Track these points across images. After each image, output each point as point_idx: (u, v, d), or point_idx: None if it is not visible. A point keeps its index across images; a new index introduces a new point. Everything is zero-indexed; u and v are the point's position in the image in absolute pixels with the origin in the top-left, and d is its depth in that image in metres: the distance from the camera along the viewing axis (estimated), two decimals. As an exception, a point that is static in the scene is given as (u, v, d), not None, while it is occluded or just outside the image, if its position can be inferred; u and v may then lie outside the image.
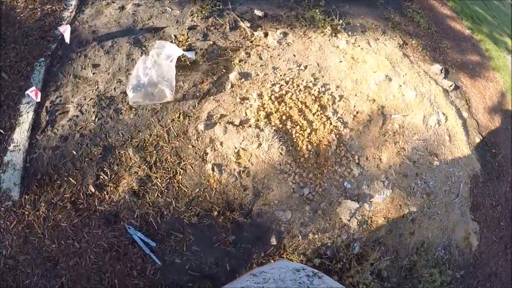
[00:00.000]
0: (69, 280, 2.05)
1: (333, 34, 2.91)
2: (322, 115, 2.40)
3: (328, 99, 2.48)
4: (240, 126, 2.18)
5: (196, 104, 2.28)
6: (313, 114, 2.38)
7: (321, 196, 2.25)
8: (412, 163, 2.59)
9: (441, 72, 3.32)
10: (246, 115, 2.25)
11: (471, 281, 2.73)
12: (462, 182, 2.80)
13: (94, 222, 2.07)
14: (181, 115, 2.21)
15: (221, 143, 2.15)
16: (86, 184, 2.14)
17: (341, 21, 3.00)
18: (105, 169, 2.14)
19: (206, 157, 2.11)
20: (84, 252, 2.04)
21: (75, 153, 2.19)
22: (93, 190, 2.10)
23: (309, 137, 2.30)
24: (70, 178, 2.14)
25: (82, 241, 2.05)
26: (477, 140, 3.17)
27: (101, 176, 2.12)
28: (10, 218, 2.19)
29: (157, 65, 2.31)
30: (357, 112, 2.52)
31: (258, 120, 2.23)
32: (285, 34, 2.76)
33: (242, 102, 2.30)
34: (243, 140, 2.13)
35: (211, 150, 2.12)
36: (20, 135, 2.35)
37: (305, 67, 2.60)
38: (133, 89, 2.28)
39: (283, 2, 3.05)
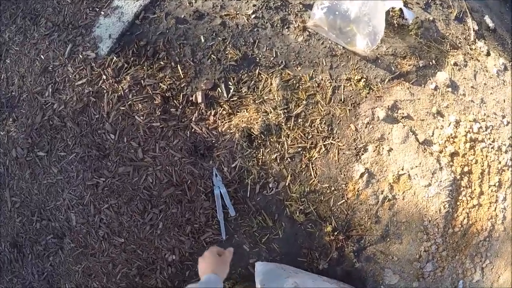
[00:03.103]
0: (107, 186, 1.32)
1: None
2: (494, 194, 1.69)
3: (508, 178, 1.75)
4: (422, 146, 1.42)
5: (386, 80, 1.36)
6: (489, 186, 1.67)
7: (434, 281, 1.61)
8: None
9: None
10: (433, 135, 1.49)
11: None
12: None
13: (178, 140, 1.28)
14: (362, 80, 1.31)
15: (390, 151, 1.29)
16: (195, 87, 1.30)
17: None
18: (229, 83, 1.29)
19: (362, 155, 1.27)
20: (144, 168, 1.29)
21: (203, 40, 1.32)
22: (199, 99, 1.27)
23: (470, 210, 1.61)
24: (179, 67, 1.30)
25: (149, 154, 1.29)
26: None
27: (219, 89, 1.28)
28: (83, 73, 1.38)
29: (371, 3, 1.45)
30: None
31: (441, 152, 1.47)
32: (505, 68, 1.91)
33: (435, 117, 1.50)
34: (416, 166, 1.30)
35: (374, 151, 1.27)
36: (148, -22, 1.47)
37: (508, 123, 1.81)
38: (326, 9, 1.34)
39: (510, 26, 2.17)
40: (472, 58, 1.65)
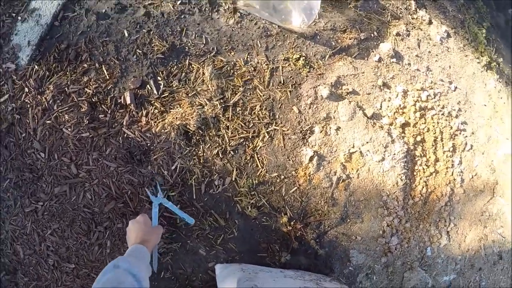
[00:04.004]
0: (46, 210, 1.16)
1: (486, 68, 2.09)
2: (449, 159, 1.67)
3: (461, 142, 1.74)
4: (371, 121, 1.35)
5: (327, 56, 1.26)
6: (443, 152, 1.65)
7: (401, 253, 1.57)
8: (484, 255, 2.02)
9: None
10: (381, 109, 1.41)
11: None
12: (501, 292, 2.32)
13: (111, 149, 1.12)
14: (302, 58, 1.21)
15: (338, 129, 1.20)
16: (123, 88, 1.14)
17: (501, 59, 2.19)
18: (159, 78, 1.14)
19: (309, 138, 1.17)
20: (80, 185, 1.14)
21: (126, 34, 1.16)
22: (128, 100, 1.11)
23: (428, 179, 1.57)
24: (104, 68, 1.14)
25: (83, 168, 1.13)
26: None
27: (148, 87, 1.14)
28: (4, 88, 1.19)
29: None
30: (475, 174, 1.81)
31: (391, 124, 1.42)
32: (448, 35, 1.89)
33: (382, 89, 1.43)
34: (368, 142, 1.22)
35: (321, 132, 1.18)
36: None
37: (455, 88, 1.79)
38: None
39: None
40: (415, 27, 1.60)
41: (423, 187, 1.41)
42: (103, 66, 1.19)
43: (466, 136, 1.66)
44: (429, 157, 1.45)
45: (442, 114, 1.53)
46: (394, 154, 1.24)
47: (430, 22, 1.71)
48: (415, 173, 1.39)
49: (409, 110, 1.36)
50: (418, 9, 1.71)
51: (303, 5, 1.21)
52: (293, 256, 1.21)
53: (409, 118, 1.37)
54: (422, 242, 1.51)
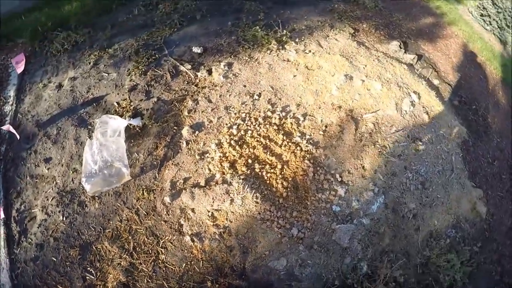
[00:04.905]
0: None
1: (280, 47, 2.47)
2: (290, 144, 2.04)
3: (291, 123, 2.11)
4: (207, 187, 1.83)
5: (157, 175, 1.91)
6: (280, 146, 2.02)
7: (312, 231, 1.94)
8: (397, 159, 2.21)
9: (400, 47, 2.89)
10: (210, 171, 1.90)
11: (490, 247, 2.24)
12: (453, 155, 2.42)
13: None
14: (144, 191, 1.87)
15: (193, 210, 1.80)
16: None
17: (285, 30, 2.55)
18: (88, 268, 1.83)
19: (182, 229, 1.77)
20: None
21: (55, 259, 1.89)
22: None
23: (282, 173, 1.95)
24: (59, 286, 1.85)
25: None
26: (456, 103, 2.79)
27: (87, 277, 1.83)
28: None
29: (104, 147, 1.95)
30: (326, 127, 2.15)
31: (223, 174, 1.88)
32: (229, 65, 2.34)
33: (202, 157, 1.94)
34: (213, 201, 1.79)
35: (185, 221, 1.78)
36: (-1, 253, 2.10)
37: (259, 95, 2.20)
38: (87, 179, 1.93)
39: (220, 28, 2.60)
40: (200, 92, 2.13)
41: (283, 183, 1.83)
42: (58, 286, 1.89)
43: (294, 113, 2.05)
44: (271, 160, 1.86)
45: (259, 125, 1.97)
46: (237, 190, 1.70)
47: (210, 72, 2.19)
48: (268, 181, 1.82)
49: (229, 152, 1.84)
50: (196, 72, 2.20)
51: (118, 160, 1.77)
52: (238, 298, 1.66)
53: (233, 156, 1.83)
54: (322, 209, 1.87)
